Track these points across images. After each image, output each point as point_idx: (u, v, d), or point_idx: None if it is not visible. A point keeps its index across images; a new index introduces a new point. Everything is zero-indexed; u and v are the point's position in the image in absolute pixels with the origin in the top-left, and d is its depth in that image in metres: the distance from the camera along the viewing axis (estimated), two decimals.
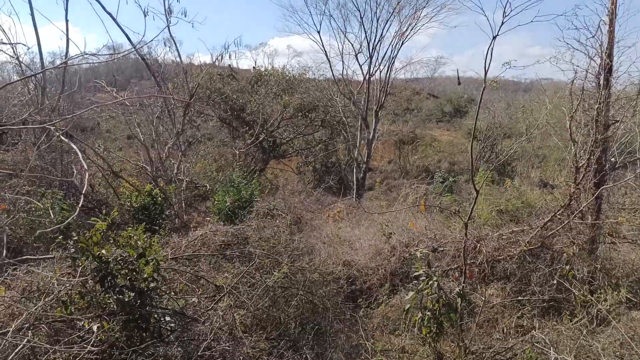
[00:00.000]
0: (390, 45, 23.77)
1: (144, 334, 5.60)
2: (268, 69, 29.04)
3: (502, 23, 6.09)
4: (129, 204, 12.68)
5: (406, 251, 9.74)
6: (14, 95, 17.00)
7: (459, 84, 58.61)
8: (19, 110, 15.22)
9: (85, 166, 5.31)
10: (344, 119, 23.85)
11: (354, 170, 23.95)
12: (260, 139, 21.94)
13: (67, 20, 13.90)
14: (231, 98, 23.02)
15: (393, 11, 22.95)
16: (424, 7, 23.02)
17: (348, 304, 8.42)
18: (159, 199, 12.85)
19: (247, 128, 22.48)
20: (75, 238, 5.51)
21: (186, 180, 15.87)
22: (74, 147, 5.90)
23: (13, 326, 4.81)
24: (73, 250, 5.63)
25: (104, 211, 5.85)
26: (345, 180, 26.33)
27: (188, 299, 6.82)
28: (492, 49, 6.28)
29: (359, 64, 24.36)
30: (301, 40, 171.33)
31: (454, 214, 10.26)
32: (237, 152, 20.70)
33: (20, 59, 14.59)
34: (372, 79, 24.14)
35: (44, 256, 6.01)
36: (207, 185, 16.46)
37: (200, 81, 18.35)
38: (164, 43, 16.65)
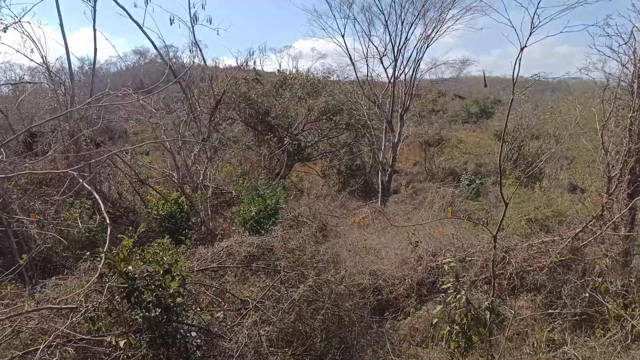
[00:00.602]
0: (415, 48, 23.61)
1: (170, 351, 5.60)
2: (292, 72, 29.07)
3: (530, 34, 5.92)
4: (155, 212, 12.75)
5: (433, 260, 9.59)
6: (44, 101, 17.39)
7: (485, 86, 58.12)
8: (49, 117, 15.50)
9: (108, 220, 5.30)
10: (369, 122, 23.73)
11: (379, 173, 23.80)
12: (285, 142, 21.95)
13: (94, 30, 14.13)
14: (256, 102, 23.09)
15: (418, 14, 22.76)
16: (450, 9, 22.81)
17: (374, 317, 8.32)
18: (185, 206, 12.89)
19: (272, 135, 22.51)
20: (103, 254, 5.55)
21: (212, 187, 15.91)
22: (97, 197, 5.93)
23: (42, 345, 4.86)
24: (100, 266, 5.66)
25: (130, 228, 5.85)
26: (370, 183, 26.23)
27: (213, 313, 6.82)
28: (520, 59, 6.12)
29: (384, 67, 24.26)
30: (325, 43, 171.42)
31: (483, 225, 10.07)
32: (262, 157, 20.73)
33: (50, 66, 14.89)
34: (397, 81, 23.96)
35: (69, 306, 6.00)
36: (233, 191, 16.48)
37: (225, 87, 18.41)
38: (190, 50, 16.77)
